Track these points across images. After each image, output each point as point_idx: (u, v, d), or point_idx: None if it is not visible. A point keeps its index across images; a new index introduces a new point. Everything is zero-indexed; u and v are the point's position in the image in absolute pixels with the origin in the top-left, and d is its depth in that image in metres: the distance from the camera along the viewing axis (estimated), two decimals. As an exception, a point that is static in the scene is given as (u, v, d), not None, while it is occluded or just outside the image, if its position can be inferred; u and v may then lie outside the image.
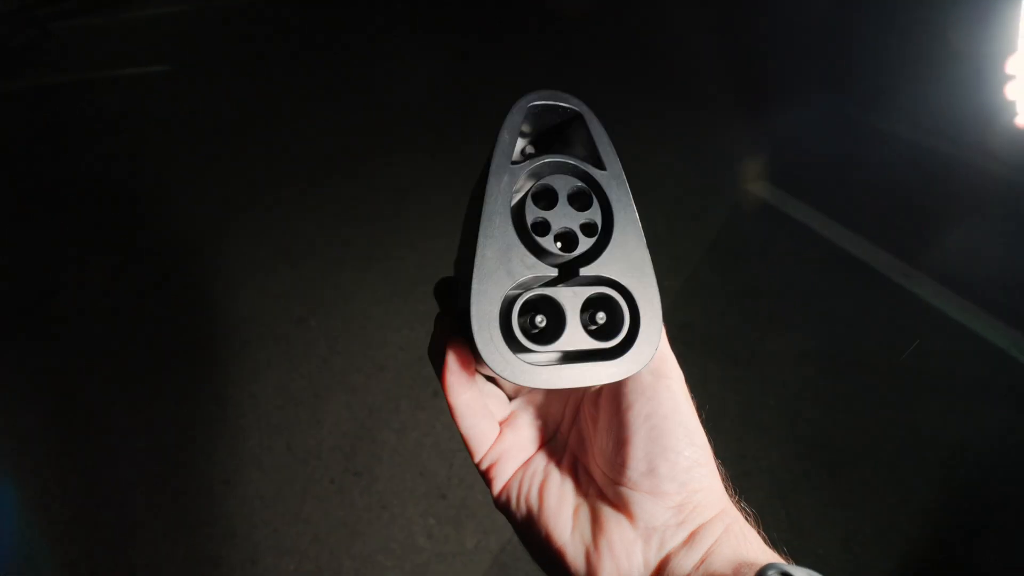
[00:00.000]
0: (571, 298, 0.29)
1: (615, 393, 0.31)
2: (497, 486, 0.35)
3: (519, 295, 0.29)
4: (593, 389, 0.34)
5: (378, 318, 1.82)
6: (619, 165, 0.32)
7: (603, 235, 0.31)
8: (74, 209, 2.21)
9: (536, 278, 0.29)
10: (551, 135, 0.35)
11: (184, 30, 3.30)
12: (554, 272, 0.30)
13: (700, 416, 0.31)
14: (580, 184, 0.31)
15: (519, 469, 0.35)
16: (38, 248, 2.09)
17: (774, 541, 0.32)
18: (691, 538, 0.28)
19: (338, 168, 2.41)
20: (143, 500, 1.41)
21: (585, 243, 0.30)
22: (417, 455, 1.49)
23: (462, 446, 1.44)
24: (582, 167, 0.31)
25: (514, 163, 0.31)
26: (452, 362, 0.31)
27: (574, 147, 0.33)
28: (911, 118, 2.38)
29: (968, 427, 1.54)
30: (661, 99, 2.86)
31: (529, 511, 0.33)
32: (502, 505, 0.35)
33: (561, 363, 0.29)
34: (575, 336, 0.29)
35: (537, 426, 0.37)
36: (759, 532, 0.31)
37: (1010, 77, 1.00)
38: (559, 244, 0.30)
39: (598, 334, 0.30)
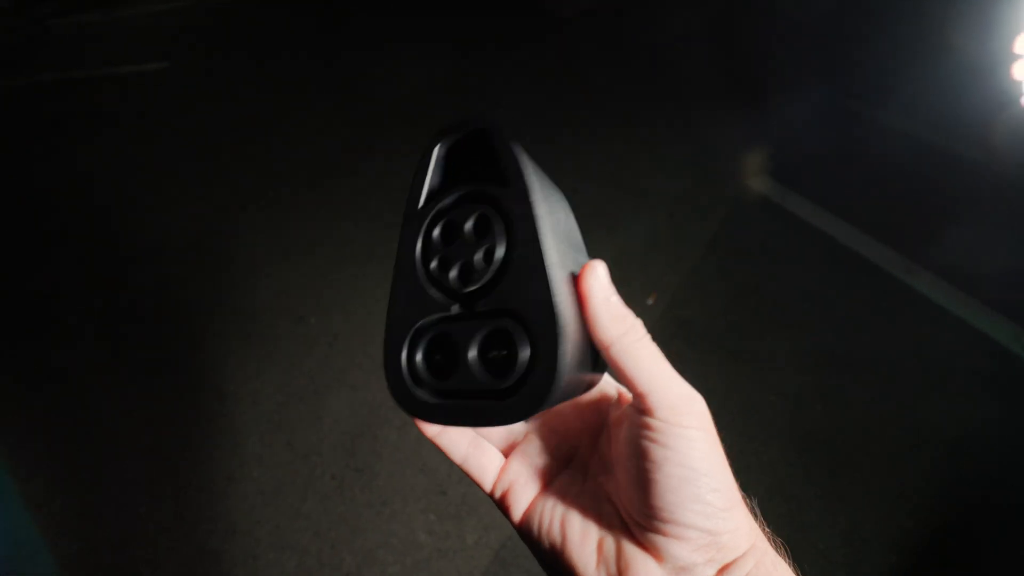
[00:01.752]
0: (467, 333, 0.28)
1: (631, 434, 0.29)
2: (516, 515, 0.33)
3: (421, 334, 0.30)
4: (489, 429, 0.33)
5: (378, 315, 1.82)
6: (525, 177, 0.28)
7: (504, 262, 0.28)
8: (73, 207, 2.21)
9: (442, 316, 0.29)
10: (476, 159, 0.32)
11: (182, 27, 3.30)
12: (456, 307, 0.29)
13: (725, 448, 0.30)
14: (481, 210, 0.29)
15: (537, 497, 0.33)
16: (37, 246, 2.09)
17: (774, 536, 0.32)
18: (720, 574, 0.28)
19: (338, 166, 2.41)
20: (145, 497, 1.42)
21: (483, 272, 0.28)
22: (418, 452, 1.49)
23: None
24: (485, 190, 0.29)
25: (420, 208, 0.31)
26: None
27: (489, 167, 0.30)
28: (912, 112, 2.37)
29: (969, 422, 1.54)
30: (661, 96, 2.85)
31: (552, 544, 0.31)
32: (523, 534, 0.33)
33: (454, 399, 0.28)
34: (467, 373, 0.28)
35: (552, 449, 0.35)
36: (790, 564, 0.30)
37: (1018, 56, 0.99)
38: (457, 278, 0.29)
39: (496, 371, 0.28)
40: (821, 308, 1.87)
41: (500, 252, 0.28)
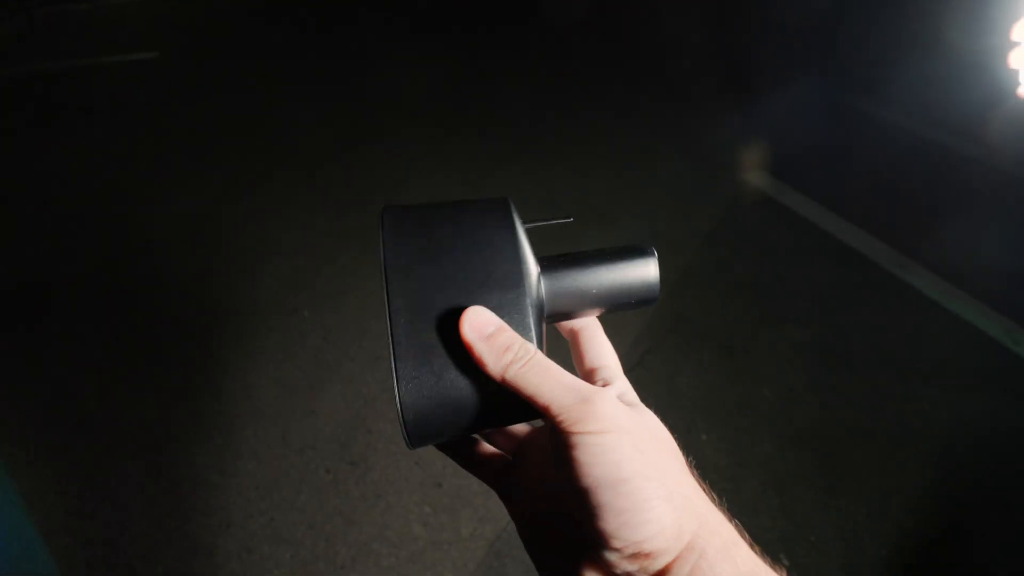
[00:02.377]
0: None
1: (553, 455, 0.30)
2: (513, 509, 0.35)
3: None
4: None
5: (372, 308, 1.81)
6: (384, 260, 0.33)
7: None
8: (60, 200, 2.19)
9: None
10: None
11: (172, 16, 3.25)
12: None
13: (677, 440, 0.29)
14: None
15: (533, 499, 0.35)
16: (28, 239, 2.06)
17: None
18: None
19: (332, 158, 2.39)
20: (138, 491, 1.41)
21: None
22: (413, 445, 1.49)
23: (458, 435, 1.44)
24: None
25: None
26: None
27: None
28: (908, 107, 2.37)
29: (961, 416, 1.55)
30: (658, 93, 2.85)
31: (539, 547, 0.33)
32: (519, 528, 0.35)
33: None
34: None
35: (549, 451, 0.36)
36: (751, 545, 0.29)
37: (1015, 44, 0.98)
38: None
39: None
40: (816, 303, 1.87)
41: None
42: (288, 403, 1.58)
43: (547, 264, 0.34)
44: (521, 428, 0.39)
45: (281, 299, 1.83)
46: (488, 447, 0.39)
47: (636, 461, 0.27)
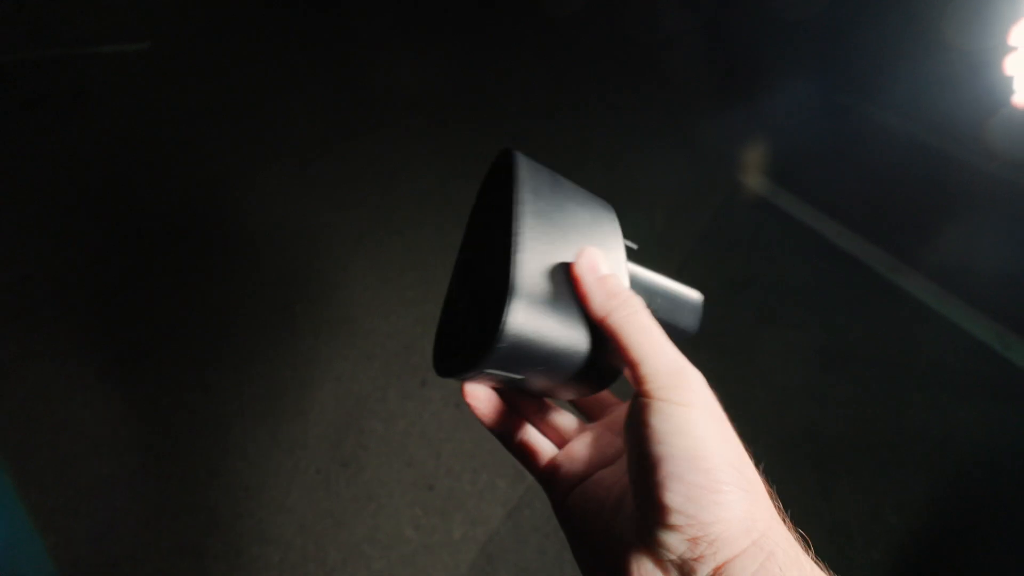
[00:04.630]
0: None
1: (630, 415, 0.29)
2: (555, 497, 0.34)
3: None
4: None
5: (365, 305, 1.79)
6: (516, 190, 0.34)
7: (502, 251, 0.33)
8: (51, 192, 2.15)
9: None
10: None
11: (165, 6, 3.20)
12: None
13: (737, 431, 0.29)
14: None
15: (576, 489, 0.34)
16: (14, 230, 2.02)
17: (796, 529, 0.30)
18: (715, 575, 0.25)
19: (324, 152, 2.36)
20: (124, 490, 1.39)
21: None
22: (404, 445, 1.48)
23: (450, 436, 1.43)
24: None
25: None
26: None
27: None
28: (904, 110, 2.38)
29: (952, 419, 1.56)
30: (653, 93, 2.84)
31: (578, 533, 0.32)
32: (560, 517, 0.34)
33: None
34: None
35: (601, 446, 0.35)
36: (815, 561, 0.28)
37: (1012, 49, 0.97)
38: None
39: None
40: (810, 305, 1.87)
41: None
42: (278, 402, 1.56)
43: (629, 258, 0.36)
44: (570, 424, 0.39)
45: (272, 295, 1.81)
46: (535, 432, 0.38)
47: (719, 442, 0.27)
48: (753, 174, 2.37)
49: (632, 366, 0.28)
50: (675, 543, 0.25)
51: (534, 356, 0.29)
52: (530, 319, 0.28)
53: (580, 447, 0.36)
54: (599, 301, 0.29)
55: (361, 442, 1.48)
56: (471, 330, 0.31)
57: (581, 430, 0.38)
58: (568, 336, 0.29)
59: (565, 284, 0.30)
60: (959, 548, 1.35)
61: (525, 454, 0.38)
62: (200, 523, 1.34)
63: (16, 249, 1.96)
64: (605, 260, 0.30)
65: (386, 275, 1.87)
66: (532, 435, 0.37)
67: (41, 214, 2.07)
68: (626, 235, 0.38)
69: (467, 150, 2.41)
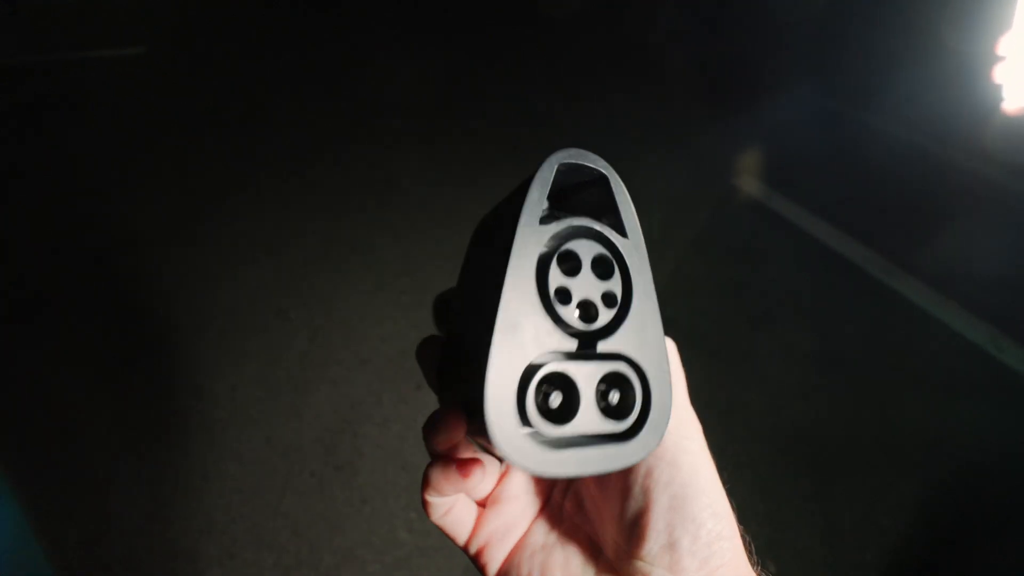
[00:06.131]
0: (587, 375, 0.27)
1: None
2: (492, 570, 0.32)
3: (536, 369, 0.26)
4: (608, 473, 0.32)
5: (360, 310, 1.79)
6: (640, 234, 0.30)
7: (622, 307, 0.29)
8: (42, 196, 2.15)
9: (554, 351, 0.27)
10: (568, 195, 0.33)
11: (162, 10, 3.21)
12: (573, 344, 0.28)
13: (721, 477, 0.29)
14: (603, 251, 0.29)
15: (514, 551, 0.32)
16: (11, 234, 2.02)
17: (753, 535, 0.31)
18: None
19: (321, 157, 2.37)
20: (118, 494, 1.38)
21: (605, 315, 0.28)
22: (399, 449, 1.48)
23: (444, 440, 1.43)
24: (606, 233, 0.30)
25: (542, 222, 0.28)
26: (446, 467, 0.29)
27: (594, 210, 0.31)
28: (898, 115, 2.39)
29: (946, 421, 1.56)
30: (650, 97, 2.85)
31: None
32: None
33: (572, 447, 0.26)
34: (589, 417, 0.27)
35: (530, 495, 0.34)
36: None
37: (1000, 58, 0.98)
38: (579, 314, 0.28)
39: (609, 414, 0.28)
40: (804, 308, 1.88)
41: (619, 297, 0.29)
42: (273, 405, 1.56)
43: None
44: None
45: (267, 300, 1.81)
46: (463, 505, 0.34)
47: (720, 485, 0.28)
48: (748, 178, 2.38)
49: None
50: (649, 568, 0.26)
51: None
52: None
53: (502, 505, 0.33)
54: None
55: (356, 446, 1.48)
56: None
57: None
58: None
59: None
60: (952, 550, 1.35)
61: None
62: (194, 527, 1.34)
63: (12, 252, 1.96)
64: None
65: (381, 280, 1.88)
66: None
67: (38, 217, 2.07)
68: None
69: (464, 155, 2.43)
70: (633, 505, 0.27)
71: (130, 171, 2.27)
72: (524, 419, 0.25)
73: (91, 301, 1.81)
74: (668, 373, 0.28)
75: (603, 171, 0.30)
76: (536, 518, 0.33)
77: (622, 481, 0.29)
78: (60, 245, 1.97)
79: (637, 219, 0.31)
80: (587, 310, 0.28)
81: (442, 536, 0.33)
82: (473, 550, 0.32)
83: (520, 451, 0.25)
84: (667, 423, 0.27)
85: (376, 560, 1.29)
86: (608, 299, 0.28)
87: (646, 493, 0.27)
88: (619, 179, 0.31)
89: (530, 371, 0.26)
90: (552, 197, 0.30)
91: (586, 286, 0.28)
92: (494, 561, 0.32)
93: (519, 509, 0.33)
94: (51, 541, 1.30)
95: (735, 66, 2.92)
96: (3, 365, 1.64)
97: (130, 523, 1.34)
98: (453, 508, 0.32)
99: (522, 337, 0.26)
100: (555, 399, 0.27)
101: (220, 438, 1.49)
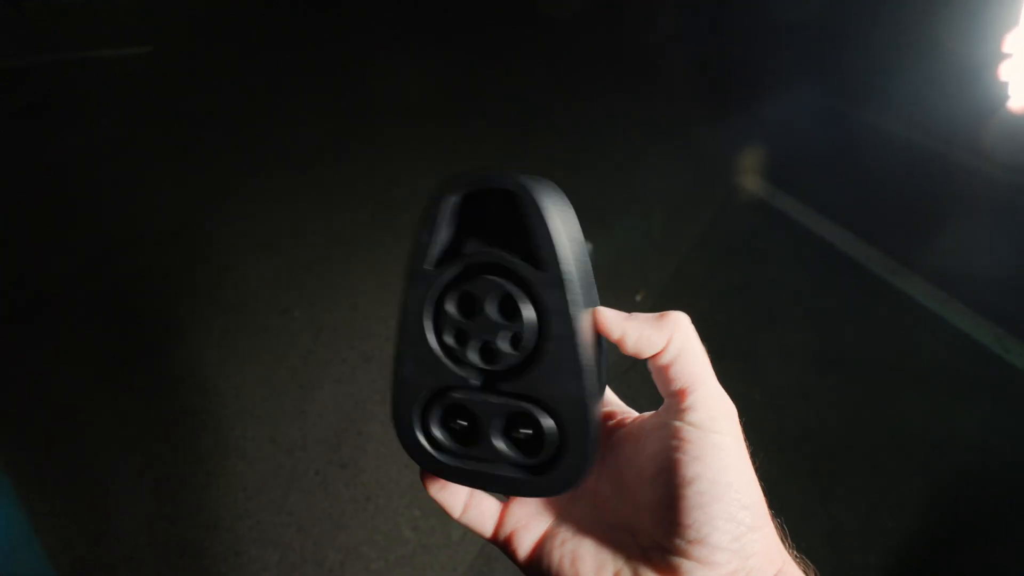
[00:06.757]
0: (490, 409, 0.28)
1: (659, 444, 0.28)
2: (522, 555, 0.32)
3: (443, 394, 0.29)
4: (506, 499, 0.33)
5: (364, 308, 1.80)
6: (568, 260, 0.27)
7: (535, 349, 0.28)
8: (49, 195, 2.16)
9: (461, 381, 0.29)
10: (495, 217, 0.29)
11: (163, 11, 3.22)
12: (477, 380, 0.29)
13: (754, 464, 0.29)
14: (508, 289, 0.27)
15: (544, 536, 0.32)
16: (13, 234, 2.03)
17: (800, 556, 0.31)
18: None
19: (322, 156, 2.37)
20: (124, 491, 1.39)
21: (509, 357, 0.28)
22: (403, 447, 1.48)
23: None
24: (515, 268, 0.27)
25: (433, 268, 0.28)
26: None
27: (516, 236, 0.28)
28: (901, 114, 2.38)
29: (950, 421, 1.56)
30: (652, 97, 2.84)
31: None
32: (531, 574, 0.32)
33: (481, 463, 0.29)
34: (492, 445, 0.29)
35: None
36: None
37: (1006, 56, 0.97)
38: (480, 357, 0.28)
39: (520, 446, 0.29)
40: (806, 307, 1.88)
41: (530, 341, 0.28)
42: (277, 404, 1.56)
43: None
44: None
45: (272, 298, 1.82)
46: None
47: (752, 476, 0.28)
48: (750, 177, 2.37)
49: (678, 392, 0.29)
50: (684, 564, 0.26)
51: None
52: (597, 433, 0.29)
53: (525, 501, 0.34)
54: (651, 329, 0.29)
55: (360, 444, 1.49)
56: None
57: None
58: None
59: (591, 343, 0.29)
60: (955, 551, 1.35)
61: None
62: (199, 524, 1.34)
63: (15, 252, 1.97)
64: (610, 316, 0.29)
65: (385, 278, 1.88)
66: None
67: (41, 217, 2.08)
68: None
69: (464, 154, 2.43)
70: (664, 500, 0.27)
71: (131, 171, 2.28)
72: (431, 437, 0.30)
73: (95, 300, 1.82)
74: (589, 415, 0.27)
75: (511, 188, 0.27)
76: (570, 504, 0.33)
77: (653, 469, 0.28)
78: (60, 245, 1.98)
79: (566, 241, 0.27)
80: (487, 351, 0.28)
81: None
82: (501, 538, 0.33)
83: (424, 459, 0.30)
84: (588, 462, 0.28)
85: (380, 557, 1.30)
86: (514, 340, 0.28)
87: (676, 486, 0.27)
88: (544, 196, 0.27)
89: (433, 399, 0.29)
90: (473, 222, 0.29)
91: (486, 327, 0.28)
92: (523, 548, 0.32)
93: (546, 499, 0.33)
94: (55, 540, 1.31)
95: (735, 65, 2.91)
96: (3, 365, 1.65)
97: (134, 521, 1.35)
98: (471, 505, 0.32)
99: (418, 372, 0.29)
100: (461, 423, 0.29)
101: (225, 436, 1.49)
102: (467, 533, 1.33)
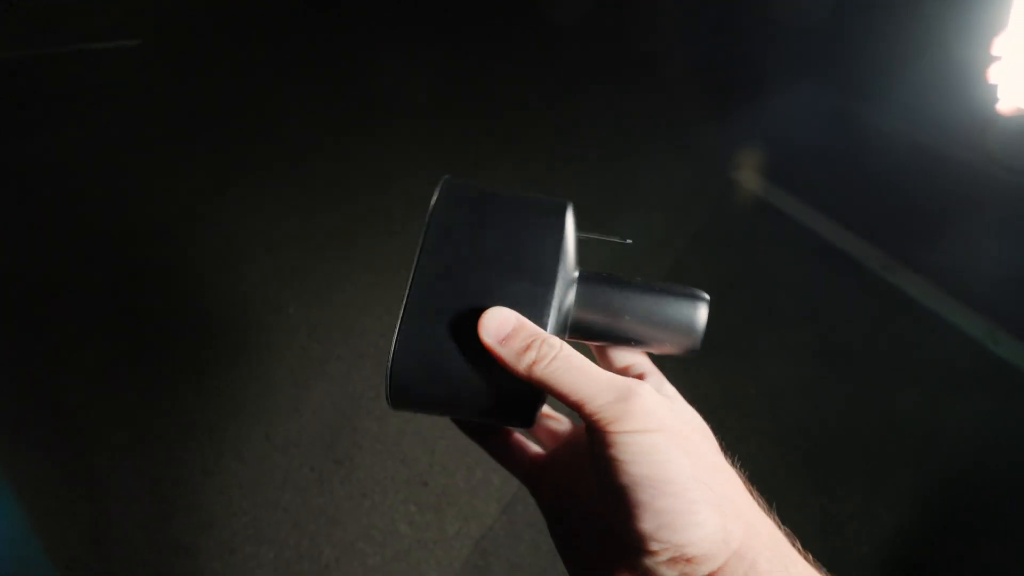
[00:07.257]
0: None
1: (588, 450, 0.28)
2: (543, 500, 0.36)
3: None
4: None
5: (359, 305, 1.79)
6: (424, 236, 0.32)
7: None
8: (39, 192, 2.14)
9: None
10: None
11: (158, 3, 3.19)
12: None
13: (741, 453, 0.29)
14: None
15: (566, 492, 0.35)
16: (5, 229, 2.01)
17: (781, 525, 0.30)
18: None
19: (319, 153, 2.36)
20: (119, 490, 1.39)
21: None
22: (398, 443, 1.48)
23: (443, 433, 1.43)
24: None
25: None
26: None
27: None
28: (900, 112, 2.39)
29: (944, 416, 1.57)
30: (650, 91, 2.84)
31: (568, 542, 0.33)
32: (550, 520, 0.35)
33: None
34: None
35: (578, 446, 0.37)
36: (804, 555, 0.28)
37: (995, 58, 0.97)
38: None
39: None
40: (803, 303, 1.89)
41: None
42: (272, 401, 1.56)
43: (587, 275, 0.33)
44: (564, 425, 0.39)
45: (266, 295, 1.81)
46: (520, 438, 0.38)
47: (682, 462, 0.26)
48: (748, 174, 2.38)
49: (576, 409, 0.27)
50: (655, 565, 0.25)
51: (448, 400, 0.31)
52: (424, 364, 0.30)
53: (569, 451, 0.35)
54: (513, 363, 0.28)
55: (355, 440, 1.49)
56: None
57: (575, 433, 0.37)
58: (483, 381, 0.30)
59: (461, 329, 0.30)
60: (950, 544, 1.36)
61: (505, 450, 0.37)
62: (194, 522, 1.34)
63: (8, 249, 1.95)
64: (503, 315, 0.29)
65: (380, 275, 1.87)
66: (515, 441, 0.38)
67: (33, 213, 2.06)
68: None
69: (461, 152, 2.42)
70: (601, 499, 0.27)
71: (126, 166, 2.26)
72: None
73: (87, 297, 1.81)
74: (397, 352, 0.30)
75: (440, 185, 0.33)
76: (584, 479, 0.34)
77: (589, 472, 0.29)
78: (54, 240, 1.96)
79: (436, 218, 0.32)
80: None
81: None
82: (528, 484, 0.36)
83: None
84: (389, 389, 0.30)
85: (376, 553, 1.30)
86: None
87: (600, 488, 0.27)
88: (445, 185, 0.33)
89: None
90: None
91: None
92: (543, 495, 0.35)
93: (575, 461, 0.35)
94: (52, 539, 1.31)
95: (736, 64, 2.90)
96: (3, 365, 1.64)
97: (131, 520, 1.34)
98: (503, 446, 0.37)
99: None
100: None
101: (220, 434, 1.49)
102: (462, 527, 1.34)
